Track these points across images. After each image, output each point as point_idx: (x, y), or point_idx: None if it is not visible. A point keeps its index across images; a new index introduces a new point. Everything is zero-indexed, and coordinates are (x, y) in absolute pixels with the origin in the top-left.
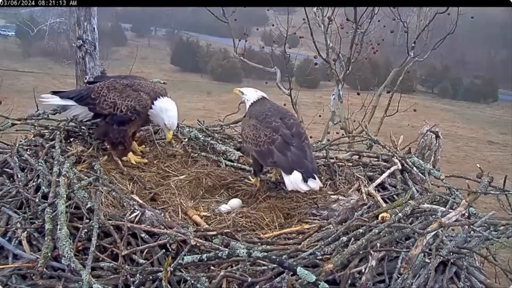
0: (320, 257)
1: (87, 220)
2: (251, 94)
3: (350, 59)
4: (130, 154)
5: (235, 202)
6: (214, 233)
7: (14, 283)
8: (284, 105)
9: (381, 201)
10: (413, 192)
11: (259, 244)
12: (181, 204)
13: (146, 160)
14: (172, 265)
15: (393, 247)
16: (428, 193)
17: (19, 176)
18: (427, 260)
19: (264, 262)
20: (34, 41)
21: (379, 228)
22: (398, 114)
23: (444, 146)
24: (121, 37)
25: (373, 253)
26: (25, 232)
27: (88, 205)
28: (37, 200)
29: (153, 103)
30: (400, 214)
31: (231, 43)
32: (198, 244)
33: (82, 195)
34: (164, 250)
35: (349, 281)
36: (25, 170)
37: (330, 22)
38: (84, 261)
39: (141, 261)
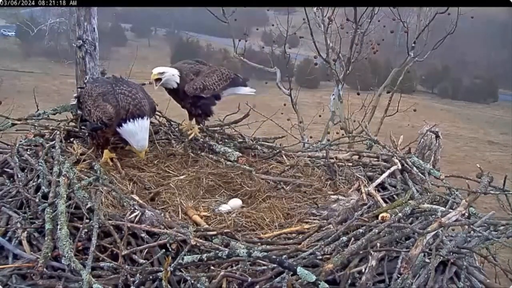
0: (320, 257)
1: (87, 220)
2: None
3: (350, 59)
4: (105, 152)
5: (235, 202)
6: (214, 233)
7: (14, 283)
8: (284, 105)
9: (381, 201)
10: (413, 192)
11: (259, 244)
12: (181, 204)
13: (114, 155)
14: (172, 265)
15: (393, 247)
16: (428, 193)
17: (19, 176)
18: (427, 260)
19: (264, 262)
20: (34, 41)
21: (379, 228)
22: (398, 114)
23: (444, 146)
24: (121, 37)
25: (373, 253)
26: (25, 232)
27: (88, 205)
28: (37, 200)
29: (121, 124)
30: (400, 214)
31: (231, 43)
32: (198, 244)
33: (82, 195)
34: (164, 250)
35: (349, 281)
36: (25, 170)
37: (330, 22)
38: (84, 261)
39: (141, 261)
